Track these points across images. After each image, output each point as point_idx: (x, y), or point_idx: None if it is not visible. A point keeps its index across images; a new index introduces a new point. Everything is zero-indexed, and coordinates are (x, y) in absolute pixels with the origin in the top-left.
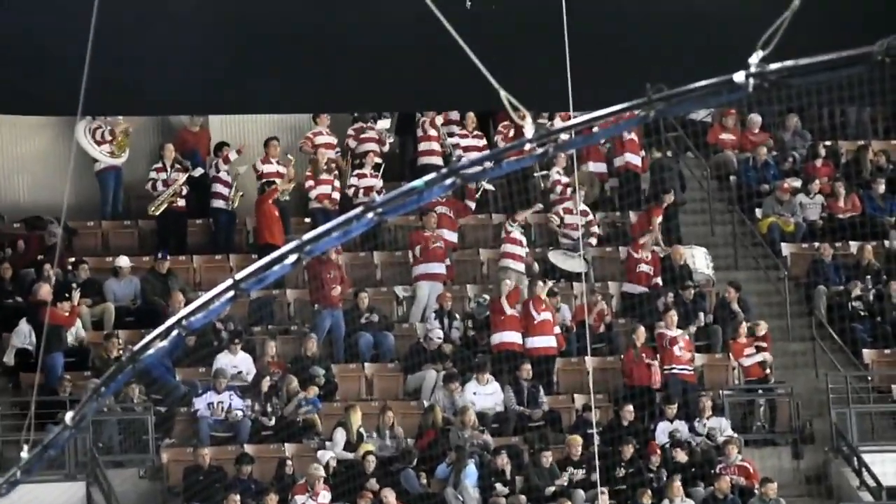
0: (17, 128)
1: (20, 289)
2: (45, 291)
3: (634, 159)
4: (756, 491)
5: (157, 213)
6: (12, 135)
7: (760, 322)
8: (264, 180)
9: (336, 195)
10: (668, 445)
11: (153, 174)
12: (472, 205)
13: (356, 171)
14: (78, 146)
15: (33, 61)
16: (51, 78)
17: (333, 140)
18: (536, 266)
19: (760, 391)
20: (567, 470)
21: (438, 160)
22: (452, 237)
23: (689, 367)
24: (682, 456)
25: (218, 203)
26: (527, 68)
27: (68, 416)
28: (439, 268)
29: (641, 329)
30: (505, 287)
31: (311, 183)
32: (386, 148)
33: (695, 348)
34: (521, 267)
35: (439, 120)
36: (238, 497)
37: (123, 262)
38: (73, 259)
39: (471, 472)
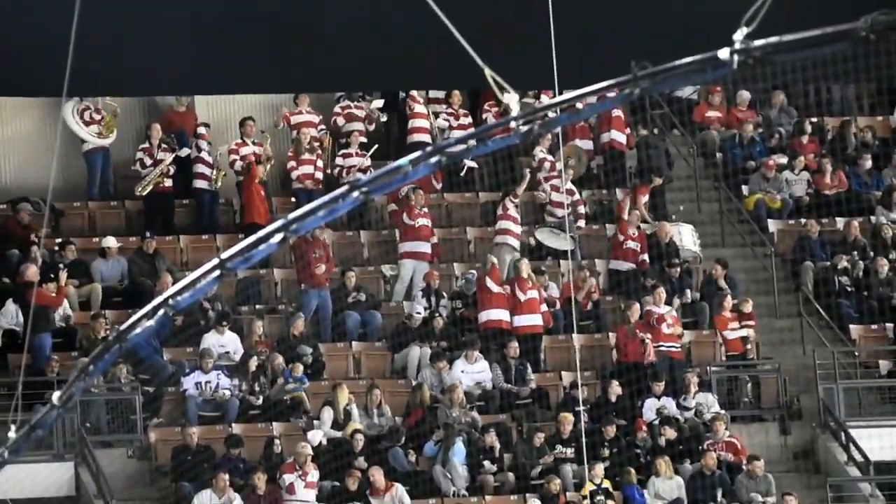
0: (3, 109)
1: (6, 269)
2: (31, 272)
3: (620, 137)
4: (744, 467)
5: (144, 194)
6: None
7: (747, 299)
8: (243, 161)
9: (319, 175)
10: (656, 422)
11: (140, 154)
12: (438, 185)
13: (342, 151)
14: (65, 127)
15: (18, 42)
16: (36, 59)
17: (315, 118)
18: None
19: (746, 367)
20: (555, 448)
21: (426, 137)
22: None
23: (676, 343)
24: (670, 433)
25: (200, 184)
26: (512, 47)
27: (55, 395)
28: (425, 246)
29: (636, 305)
30: (494, 264)
31: (293, 163)
32: (372, 127)
33: (682, 325)
34: (517, 243)
35: (420, 99)
36: (227, 476)
37: (110, 242)
38: (59, 240)
39: (459, 449)
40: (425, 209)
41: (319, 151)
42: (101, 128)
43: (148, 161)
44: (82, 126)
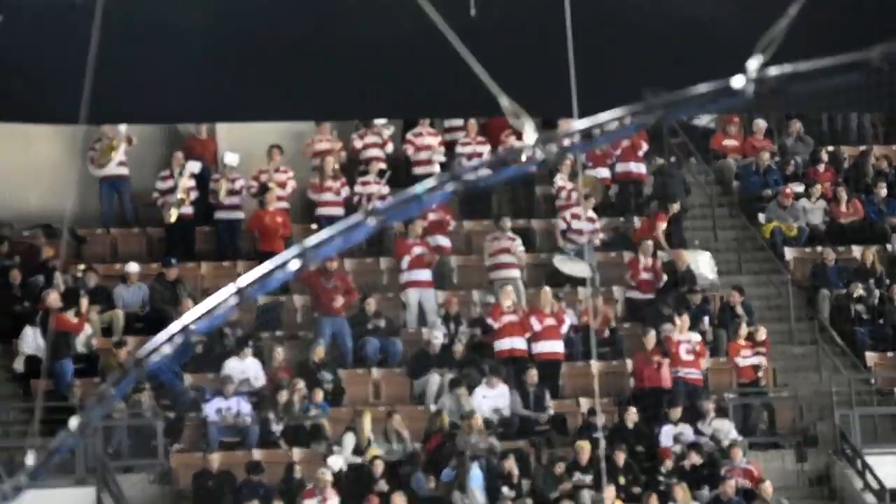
0: (26, 136)
1: (29, 295)
2: (53, 298)
3: (638, 167)
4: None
5: (174, 220)
6: (21, 143)
7: (761, 327)
8: (265, 189)
9: (341, 201)
10: (676, 448)
11: (159, 183)
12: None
13: (361, 178)
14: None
15: (37, 68)
16: (55, 85)
17: (337, 146)
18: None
19: (762, 394)
20: (574, 474)
21: (433, 168)
22: (445, 242)
23: (695, 370)
24: (696, 458)
25: (221, 214)
26: (530, 76)
27: (73, 421)
28: (424, 274)
29: (652, 332)
30: (501, 296)
31: (314, 190)
32: (389, 149)
33: (699, 352)
34: (514, 273)
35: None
36: None
37: (132, 268)
38: (82, 266)
39: (475, 475)
40: (419, 238)
41: (344, 179)
42: (97, 155)
43: (166, 187)
44: (113, 165)
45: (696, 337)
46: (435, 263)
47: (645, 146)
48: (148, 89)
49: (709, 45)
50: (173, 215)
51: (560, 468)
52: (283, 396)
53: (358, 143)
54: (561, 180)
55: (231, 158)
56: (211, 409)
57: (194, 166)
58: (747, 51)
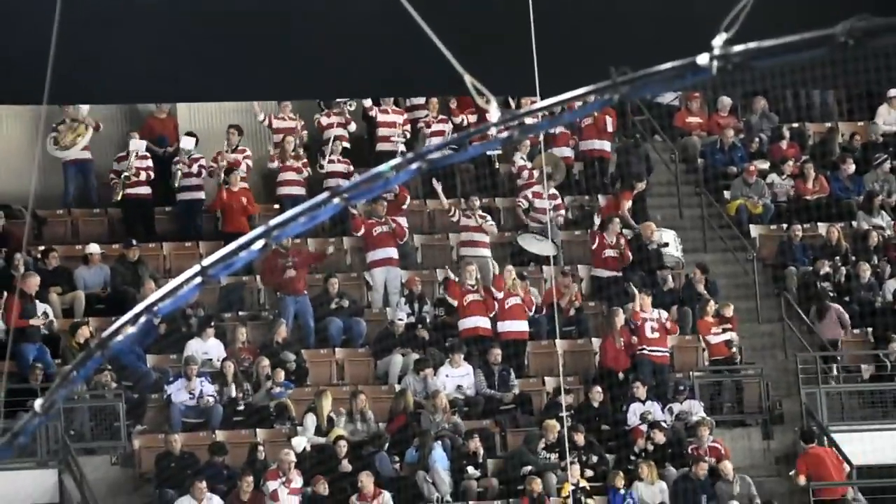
0: None
1: None
2: (31, 283)
3: (602, 145)
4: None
5: (118, 199)
6: None
7: (728, 304)
8: (226, 169)
9: (303, 181)
10: (646, 428)
11: (115, 164)
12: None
13: (325, 157)
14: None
15: None
16: (16, 66)
17: (298, 125)
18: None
19: (729, 372)
20: (540, 453)
21: (393, 146)
22: (402, 222)
23: (661, 348)
24: (660, 437)
25: (184, 195)
26: (493, 53)
27: (37, 402)
28: (390, 252)
29: (620, 312)
30: (467, 274)
31: (277, 168)
32: (352, 128)
33: (668, 330)
34: (484, 252)
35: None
36: (204, 483)
37: (93, 249)
38: (42, 247)
39: (439, 455)
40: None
41: (306, 159)
42: (60, 136)
43: (121, 168)
44: (76, 150)
45: (663, 314)
46: (403, 240)
47: (611, 123)
48: (109, 69)
49: (673, 23)
50: (118, 194)
51: (526, 444)
52: (245, 377)
53: (324, 121)
54: (521, 159)
55: (187, 143)
56: (173, 389)
57: (139, 145)
58: (712, 28)
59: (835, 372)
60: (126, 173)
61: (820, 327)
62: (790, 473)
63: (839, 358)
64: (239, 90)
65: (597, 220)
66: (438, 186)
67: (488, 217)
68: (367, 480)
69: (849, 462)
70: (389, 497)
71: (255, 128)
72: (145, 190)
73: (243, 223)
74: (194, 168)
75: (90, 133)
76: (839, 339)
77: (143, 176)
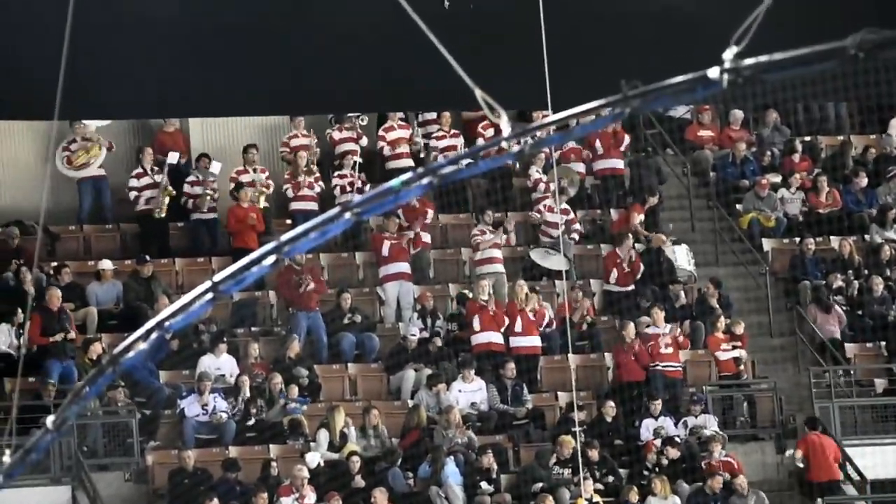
0: None
1: (2, 293)
2: (55, 297)
3: (615, 162)
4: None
5: (164, 215)
6: None
7: (739, 321)
8: (240, 187)
9: (315, 196)
10: (659, 443)
11: (133, 181)
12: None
13: (337, 172)
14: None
15: (9, 65)
16: (28, 82)
17: (311, 141)
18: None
19: (742, 387)
20: (553, 469)
21: (408, 162)
22: (425, 237)
23: (674, 363)
24: (674, 453)
25: (196, 214)
26: (504, 68)
27: (50, 419)
28: (402, 266)
29: (631, 325)
30: (480, 289)
31: (289, 186)
32: (364, 143)
33: (680, 344)
34: (498, 268)
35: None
36: (216, 500)
37: (106, 265)
38: (55, 263)
39: (452, 470)
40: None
41: (318, 175)
42: (73, 156)
43: (143, 186)
44: (58, 158)
45: (676, 329)
46: (414, 253)
47: (626, 139)
48: (120, 85)
49: (684, 36)
50: (163, 209)
51: (547, 458)
52: (258, 392)
53: (336, 136)
54: (536, 173)
55: (216, 167)
56: (186, 405)
57: (173, 157)
58: (723, 41)
59: (841, 378)
60: (166, 189)
61: (821, 325)
62: (788, 453)
63: (852, 372)
64: (248, 105)
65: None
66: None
67: (506, 230)
68: (380, 496)
69: (862, 476)
70: None
71: (267, 144)
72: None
73: (254, 239)
74: (197, 189)
75: (104, 153)
76: (838, 336)
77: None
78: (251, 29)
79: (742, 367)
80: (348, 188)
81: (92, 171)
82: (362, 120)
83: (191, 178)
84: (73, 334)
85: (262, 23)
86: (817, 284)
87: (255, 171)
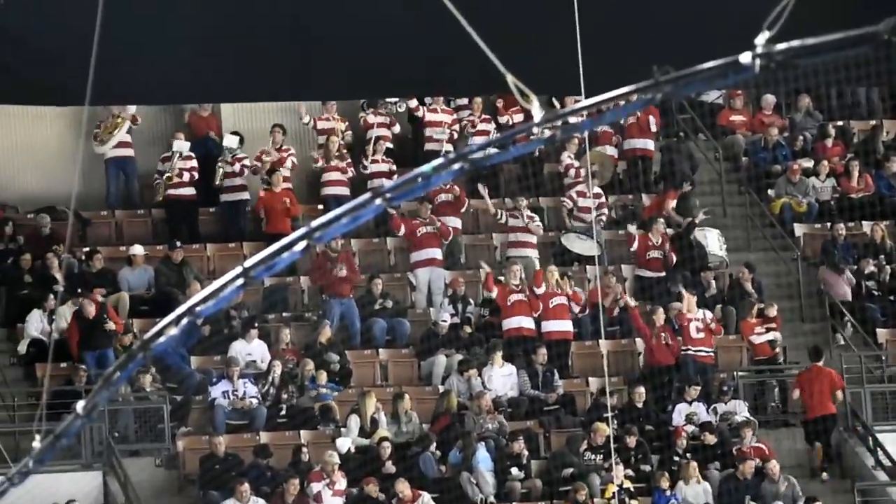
0: (30, 117)
1: (37, 279)
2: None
3: (646, 144)
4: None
5: (160, 200)
6: (25, 124)
7: (772, 304)
8: (269, 169)
9: (347, 181)
10: (690, 428)
11: (160, 165)
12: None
13: (370, 158)
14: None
15: (40, 51)
16: (58, 68)
17: (343, 126)
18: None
19: (773, 372)
20: (585, 455)
21: (442, 146)
22: (456, 223)
23: (706, 348)
24: (710, 438)
25: (227, 196)
26: (537, 53)
27: (80, 404)
28: (434, 252)
29: (661, 310)
30: (511, 274)
31: (321, 169)
32: (397, 129)
33: (712, 330)
34: (529, 252)
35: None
36: (247, 485)
37: (137, 250)
38: (86, 248)
39: (482, 456)
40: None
41: (350, 160)
42: (100, 132)
43: (167, 170)
44: (116, 145)
45: (708, 314)
46: (448, 240)
47: (654, 122)
48: (152, 70)
49: (716, 21)
50: (160, 195)
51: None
52: (289, 378)
53: (370, 119)
54: (568, 158)
55: (230, 141)
56: (217, 391)
57: (182, 146)
58: (756, 26)
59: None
60: (168, 174)
61: (832, 287)
62: (796, 394)
63: (884, 358)
64: (281, 91)
65: (632, 229)
66: (484, 191)
67: (535, 217)
68: (403, 486)
69: (894, 462)
70: (430, 498)
71: (298, 128)
72: (189, 191)
73: (286, 224)
74: (237, 167)
75: (126, 125)
76: (848, 299)
77: (186, 177)
78: (283, 13)
79: (777, 350)
80: (379, 173)
81: (114, 145)
82: (399, 107)
83: (224, 159)
84: (111, 325)
85: (294, 7)
86: (834, 252)
87: (278, 149)
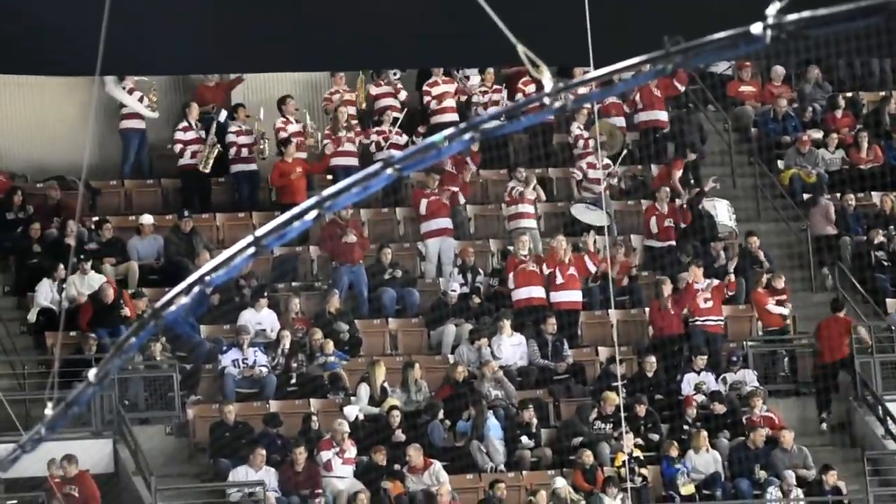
0: (40, 88)
1: (47, 248)
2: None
3: (660, 115)
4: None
5: (208, 170)
6: (35, 94)
7: (780, 275)
8: (281, 140)
9: (355, 151)
10: (703, 398)
11: (179, 134)
12: (472, 166)
13: (376, 128)
14: (105, 103)
15: (50, 21)
16: (68, 37)
17: (352, 96)
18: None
19: (782, 342)
20: (594, 424)
21: (453, 116)
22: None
23: (714, 317)
24: (720, 408)
25: (237, 165)
26: (547, 23)
27: (91, 372)
28: (444, 222)
29: (668, 280)
30: (516, 245)
31: (328, 141)
32: (403, 97)
33: (727, 288)
34: (532, 223)
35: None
36: (263, 452)
37: (146, 220)
38: (96, 218)
39: (493, 424)
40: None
41: (359, 129)
42: (150, 102)
43: (185, 138)
44: (136, 100)
45: (715, 282)
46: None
47: (680, 87)
48: (163, 40)
49: None
50: (208, 166)
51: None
52: (299, 347)
53: (374, 90)
54: (577, 129)
55: (220, 115)
56: (227, 360)
57: (222, 115)
58: None
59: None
60: (216, 144)
61: (811, 220)
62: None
63: (893, 328)
64: (288, 61)
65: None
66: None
67: (537, 188)
68: (415, 454)
69: None
70: (440, 467)
71: (308, 99)
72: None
73: (298, 194)
74: (243, 139)
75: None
76: (829, 233)
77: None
78: None
79: (789, 321)
80: (384, 143)
81: (151, 113)
82: (394, 74)
83: (234, 129)
84: (126, 311)
85: None
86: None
87: (295, 121)
